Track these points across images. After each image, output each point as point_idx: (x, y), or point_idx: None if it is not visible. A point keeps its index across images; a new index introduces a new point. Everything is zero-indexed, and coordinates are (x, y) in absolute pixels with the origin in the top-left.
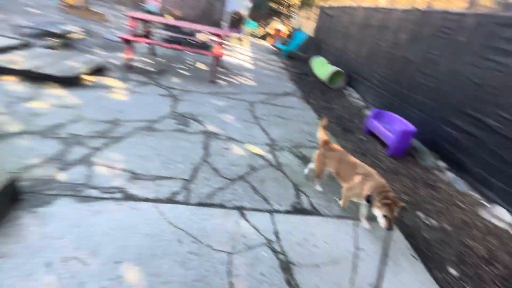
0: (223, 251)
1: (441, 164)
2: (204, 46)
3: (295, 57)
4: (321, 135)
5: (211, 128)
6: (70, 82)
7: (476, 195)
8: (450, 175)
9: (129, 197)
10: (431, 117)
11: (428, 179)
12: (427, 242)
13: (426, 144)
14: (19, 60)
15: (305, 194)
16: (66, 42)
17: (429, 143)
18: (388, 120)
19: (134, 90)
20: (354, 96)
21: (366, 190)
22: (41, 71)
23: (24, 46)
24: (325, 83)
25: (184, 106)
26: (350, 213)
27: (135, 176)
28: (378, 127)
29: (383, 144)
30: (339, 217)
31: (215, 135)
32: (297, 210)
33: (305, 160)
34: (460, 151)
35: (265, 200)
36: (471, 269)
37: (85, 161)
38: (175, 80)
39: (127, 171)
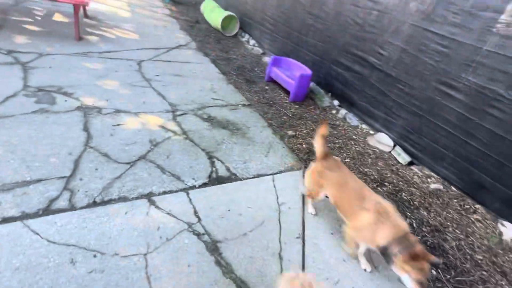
0: (136, 255)
1: (336, 102)
2: None
3: (182, 2)
4: (319, 145)
5: (89, 101)
6: None
7: (365, 127)
8: (343, 112)
9: None
10: (323, 58)
11: (327, 118)
12: None
13: (321, 85)
14: None
15: (219, 159)
16: None
17: (323, 84)
18: (287, 66)
19: None
20: (251, 43)
21: (382, 238)
22: None
23: None
24: (220, 30)
25: (43, 76)
26: (266, 169)
27: None
28: (278, 74)
29: (286, 91)
30: (257, 176)
31: (96, 109)
32: (214, 179)
33: (213, 122)
34: (349, 89)
35: (177, 178)
36: None
37: None
38: (20, 40)
39: None
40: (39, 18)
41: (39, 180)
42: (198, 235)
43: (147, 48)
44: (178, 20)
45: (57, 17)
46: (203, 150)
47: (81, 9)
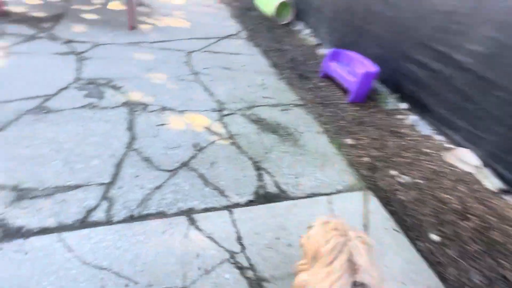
0: None
1: (403, 105)
2: None
3: None
4: None
5: (135, 96)
6: None
7: (440, 138)
8: (412, 118)
9: (11, 234)
10: (391, 52)
11: (392, 125)
12: (404, 205)
13: (386, 83)
14: None
15: (267, 172)
16: None
17: (389, 82)
18: (347, 60)
19: (13, 50)
20: (305, 32)
21: None
22: None
23: None
24: (272, 18)
25: (95, 68)
26: (321, 187)
27: (20, 195)
28: (336, 70)
29: (343, 88)
30: (311, 195)
31: (142, 106)
32: (261, 197)
33: (263, 124)
34: (422, 90)
35: (220, 192)
36: (449, 229)
37: None
38: (78, 29)
39: (5, 189)
40: (98, 6)
41: (79, 186)
42: (241, 268)
43: (197, 37)
44: (229, 7)
45: (114, 5)
46: (250, 159)
47: None
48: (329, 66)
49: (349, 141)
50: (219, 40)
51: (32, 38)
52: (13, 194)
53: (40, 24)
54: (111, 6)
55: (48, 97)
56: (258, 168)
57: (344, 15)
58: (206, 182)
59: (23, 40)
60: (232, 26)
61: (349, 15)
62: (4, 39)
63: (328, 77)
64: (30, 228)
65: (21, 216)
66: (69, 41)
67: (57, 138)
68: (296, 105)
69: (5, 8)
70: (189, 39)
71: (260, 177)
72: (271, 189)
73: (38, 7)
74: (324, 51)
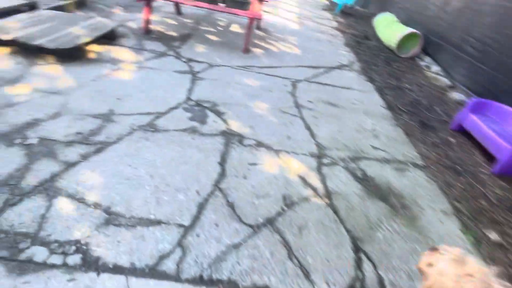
0: None
1: None
2: (245, 3)
3: (352, 14)
4: None
5: (235, 125)
6: (69, 55)
7: None
8: None
9: (89, 264)
10: None
11: None
12: None
13: None
14: (13, 26)
15: (370, 258)
16: (81, 1)
17: None
18: (498, 116)
19: (145, 64)
20: (433, 70)
21: None
22: (32, 41)
23: (31, 7)
24: (393, 50)
25: (204, 89)
26: None
27: (108, 218)
28: (479, 126)
29: (484, 151)
30: None
31: (239, 137)
32: None
33: (370, 185)
34: None
35: (305, 273)
36: None
37: (47, 187)
38: (200, 49)
39: (100, 208)
40: (221, 28)
41: (159, 223)
42: None
43: (306, 66)
44: (344, 34)
45: (234, 28)
46: (348, 232)
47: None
48: (469, 119)
49: (493, 235)
50: (329, 70)
51: (162, 55)
52: (103, 216)
53: (172, 43)
54: (232, 28)
55: (159, 115)
56: (357, 249)
57: (497, 55)
58: (290, 253)
59: (155, 56)
60: (345, 55)
61: (506, 56)
62: (142, 53)
63: (462, 132)
64: (106, 262)
65: (102, 244)
66: (190, 60)
67: (154, 160)
68: (416, 165)
69: (150, 26)
70: (297, 66)
71: (359, 264)
72: (371, 285)
73: (173, 26)
74: (457, 95)
